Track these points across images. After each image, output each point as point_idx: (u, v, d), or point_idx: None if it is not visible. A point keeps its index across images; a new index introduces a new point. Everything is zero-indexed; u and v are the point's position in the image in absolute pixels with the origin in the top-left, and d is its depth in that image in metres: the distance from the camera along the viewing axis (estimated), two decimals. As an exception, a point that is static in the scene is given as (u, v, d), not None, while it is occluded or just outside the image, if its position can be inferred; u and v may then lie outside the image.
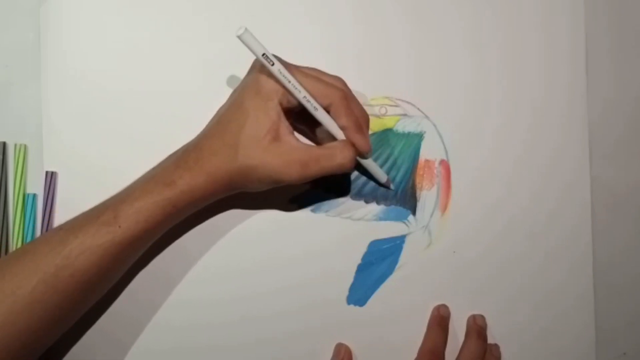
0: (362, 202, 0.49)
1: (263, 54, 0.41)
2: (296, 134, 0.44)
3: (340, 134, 0.44)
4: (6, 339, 0.38)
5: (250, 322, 0.48)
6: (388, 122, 0.49)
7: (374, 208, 0.49)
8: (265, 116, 0.42)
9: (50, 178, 0.48)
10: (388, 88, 0.50)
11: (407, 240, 0.49)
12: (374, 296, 0.48)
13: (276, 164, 0.42)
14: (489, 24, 0.50)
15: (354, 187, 0.49)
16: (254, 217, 0.48)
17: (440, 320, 0.47)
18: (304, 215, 0.49)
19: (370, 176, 0.48)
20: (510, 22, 0.50)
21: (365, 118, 0.45)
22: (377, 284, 0.48)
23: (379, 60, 0.50)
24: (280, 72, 0.41)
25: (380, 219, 0.49)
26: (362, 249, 0.48)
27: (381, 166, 0.49)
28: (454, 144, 0.49)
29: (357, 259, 0.48)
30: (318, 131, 0.46)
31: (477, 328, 0.47)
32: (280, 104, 0.42)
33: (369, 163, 0.46)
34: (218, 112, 0.44)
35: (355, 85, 0.49)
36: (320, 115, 0.43)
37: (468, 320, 0.48)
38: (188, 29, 0.49)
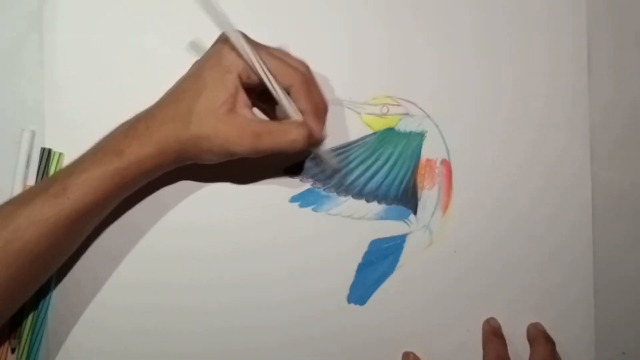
0: (363, 201, 0.49)
1: (226, 26, 0.41)
2: (255, 110, 0.44)
3: (296, 116, 0.43)
4: None
5: (249, 320, 0.48)
6: (390, 121, 0.49)
7: (375, 207, 0.49)
8: (223, 87, 0.42)
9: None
10: (390, 87, 0.50)
11: (408, 239, 0.49)
12: (375, 295, 0.48)
13: (228, 133, 0.42)
14: (491, 25, 0.50)
15: (356, 186, 0.49)
16: (255, 216, 0.48)
17: (495, 331, 0.48)
18: (305, 213, 0.49)
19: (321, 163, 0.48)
20: (512, 23, 0.50)
21: (325, 106, 0.45)
22: (377, 283, 0.48)
23: (381, 59, 0.50)
24: (242, 46, 0.41)
25: (381, 218, 0.49)
26: (363, 247, 0.49)
27: (382, 165, 0.49)
28: (456, 143, 0.49)
29: (357, 258, 0.49)
30: (278, 112, 0.46)
31: (544, 333, 0.47)
32: (240, 78, 0.42)
33: (322, 153, 0.47)
34: (177, 81, 0.44)
35: (357, 84, 0.49)
36: (279, 94, 0.42)
37: (529, 328, 0.48)
38: (189, 28, 0.49)
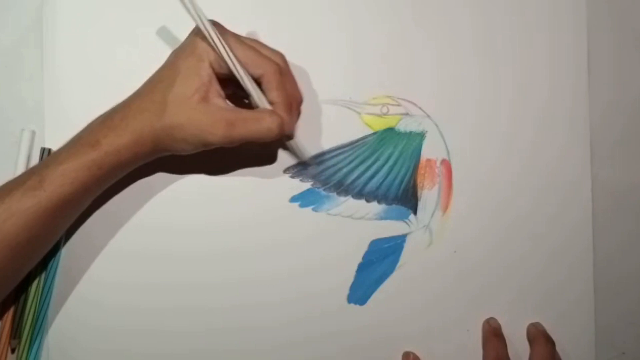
0: (363, 201, 0.49)
1: (198, 17, 0.41)
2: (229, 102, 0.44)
3: (266, 106, 0.43)
4: None
5: (249, 320, 0.48)
6: (390, 121, 0.49)
7: (375, 207, 0.49)
8: (196, 76, 0.42)
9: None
10: (390, 87, 0.50)
11: (408, 239, 0.49)
12: (375, 295, 0.48)
13: (202, 122, 0.42)
14: (492, 25, 0.50)
15: (356, 186, 0.49)
16: (255, 216, 0.48)
17: (494, 331, 0.48)
18: (305, 213, 0.49)
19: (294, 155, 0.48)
20: (512, 23, 0.50)
21: (298, 99, 0.45)
22: (377, 282, 0.48)
23: (381, 59, 0.50)
24: (210, 34, 0.41)
25: (381, 218, 0.49)
26: (363, 247, 0.49)
27: (382, 165, 0.49)
28: (456, 143, 0.49)
29: (358, 258, 0.49)
30: (252, 103, 0.45)
31: (544, 333, 0.47)
32: (212, 68, 0.42)
33: (293, 144, 0.47)
34: (153, 74, 0.44)
35: (358, 84, 0.49)
36: (246, 83, 0.42)
37: (529, 328, 0.48)
38: (189, 28, 0.49)
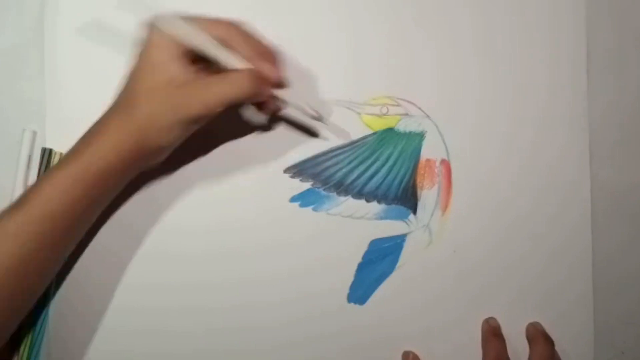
0: (363, 201, 0.49)
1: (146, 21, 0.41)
2: None
3: (240, 65, 0.42)
4: None
5: (249, 320, 0.48)
6: (389, 122, 0.50)
7: (375, 207, 0.49)
8: (154, 63, 0.41)
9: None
10: (389, 87, 0.50)
11: (408, 239, 0.49)
12: (374, 295, 0.48)
13: (174, 99, 0.41)
14: (492, 26, 0.50)
15: (356, 186, 0.49)
16: (255, 215, 0.48)
17: (494, 331, 0.48)
18: (305, 213, 0.49)
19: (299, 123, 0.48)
20: (512, 24, 0.50)
21: (272, 49, 0.44)
22: (377, 282, 0.48)
23: (381, 59, 0.50)
24: (164, 24, 0.41)
25: (381, 217, 0.49)
26: (363, 247, 0.49)
27: (382, 165, 0.49)
28: (455, 143, 0.50)
29: (357, 258, 0.49)
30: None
31: (543, 333, 0.48)
32: (169, 48, 0.41)
33: (293, 102, 0.45)
34: None
35: (357, 85, 0.49)
36: (211, 48, 0.42)
37: (528, 328, 0.48)
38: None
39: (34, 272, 0.41)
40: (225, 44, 0.42)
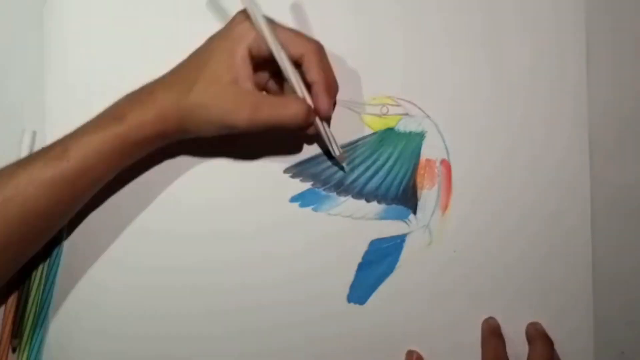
0: (363, 201, 0.49)
1: None
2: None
3: (301, 92, 0.43)
4: None
5: (249, 320, 0.48)
6: (389, 122, 0.50)
7: (375, 207, 0.49)
8: (229, 58, 0.42)
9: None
10: (390, 87, 0.50)
11: (408, 239, 0.49)
12: (375, 295, 0.48)
13: (227, 103, 0.41)
14: (491, 25, 0.50)
15: (356, 186, 0.49)
16: (255, 216, 0.48)
17: (493, 331, 0.48)
18: (305, 213, 0.49)
19: (325, 150, 0.48)
20: (511, 24, 0.50)
21: (335, 83, 0.45)
22: (377, 282, 0.48)
23: (381, 59, 0.50)
24: (255, 13, 0.41)
25: (381, 217, 0.49)
26: (363, 247, 0.49)
27: (382, 165, 0.49)
28: (455, 143, 0.49)
29: (357, 258, 0.49)
30: (286, 91, 0.46)
31: (543, 333, 0.48)
32: (250, 51, 0.42)
33: (328, 132, 0.46)
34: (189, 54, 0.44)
35: (357, 85, 0.49)
36: (285, 65, 0.42)
37: (528, 327, 0.48)
38: (191, 27, 0.49)
39: (53, 219, 0.43)
40: (299, 60, 0.43)
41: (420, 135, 0.50)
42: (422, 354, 0.48)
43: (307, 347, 0.48)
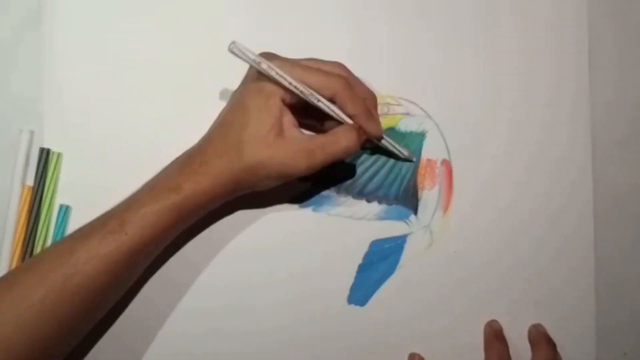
0: (363, 202, 0.49)
1: (257, 62, 0.41)
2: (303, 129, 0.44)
3: (349, 121, 0.44)
4: (16, 349, 0.38)
5: (249, 321, 0.48)
6: (390, 121, 0.49)
7: (376, 207, 0.49)
8: (268, 114, 0.42)
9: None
10: (390, 87, 0.49)
11: (409, 239, 0.49)
12: (375, 296, 0.48)
13: (282, 156, 0.42)
14: (493, 25, 0.50)
15: (356, 186, 0.49)
16: (254, 216, 0.48)
17: (496, 334, 0.47)
18: (305, 213, 0.48)
19: (389, 154, 0.48)
20: (514, 23, 0.50)
21: (373, 100, 0.45)
22: (378, 283, 0.48)
23: (382, 58, 0.50)
24: (278, 74, 0.41)
25: (382, 218, 0.49)
26: (364, 248, 0.48)
27: (382, 166, 0.49)
28: (456, 143, 0.49)
29: (358, 259, 0.48)
30: (327, 123, 0.46)
31: (545, 335, 0.47)
32: (283, 101, 0.43)
33: (386, 143, 0.47)
34: (220, 114, 0.44)
35: (358, 84, 0.49)
36: (325, 107, 0.43)
37: (530, 330, 0.48)
38: (189, 27, 0.49)
39: (111, 294, 0.43)
40: (332, 100, 0.43)
41: (421, 135, 0.49)
42: (424, 355, 0.48)
43: (307, 349, 0.48)
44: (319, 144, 0.43)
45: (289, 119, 0.43)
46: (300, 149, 0.42)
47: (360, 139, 0.43)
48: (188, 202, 0.42)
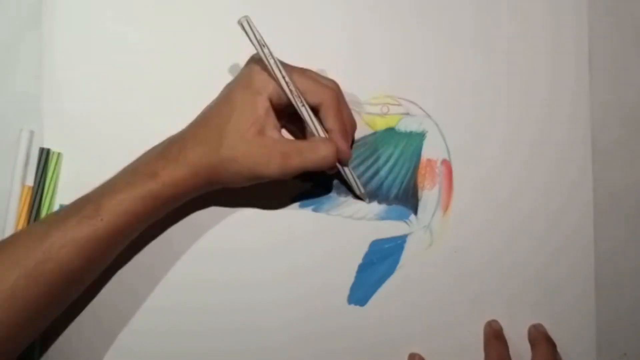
0: (363, 202, 0.49)
1: (262, 44, 0.42)
2: (284, 132, 0.45)
3: (323, 135, 0.44)
4: None
5: (249, 320, 0.48)
6: (390, 121, 0.49)
7: (376, 207, 0.49)
8: (252, 110, 0.42)
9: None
10: (390, 87, 0.49)
11: (409, 239, 0.49)
12: (375, 296, 0.48)
13: (257, 154, 0.42)
14: (492, 25, 0.50)
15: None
16: (255, 216, 0.48)
17: (496, 333, 0.47)
18: (305, 213, 0.48)
19: (347, 186, 0.48)
20: (513, 23, 0.50)
21: (353, 125, 0.46)
22: (378, 283, 0.48)
23: (382, 58, 0.50)
24: (275, 64, 0.42)
25: (382, 218, 0.49)
26: (364, 248, 0.48)
27: (382, 165, 0.49)
28: (456, 143, 0.49)
29: (358, 259, 0.48)
30: (309, 134, 0.46)
31: (545, 335, 0.47)
32: (270, 100, 0.43)
33: (348, 172, 0.46)
34: (208, 105, 0.44)
35: (358, 84, 0.49)
36: (306, 113, 0.43)
37: (530, 329, 0.48)
38: (189, 27, 0.49)
39: (84, 278, 0.43)
40: (317, 108, 0.43)
41: (421, 135, 0.49)
42: (424, 355, 0.48)
43: (307, 349, 0.48)
44: (296, 148, 0.43)
45: (272, 120, 0.43)
46: (276, 150, 0.42)
47: (336, 155, 0.43)
48: (164, 190, 0.41)
